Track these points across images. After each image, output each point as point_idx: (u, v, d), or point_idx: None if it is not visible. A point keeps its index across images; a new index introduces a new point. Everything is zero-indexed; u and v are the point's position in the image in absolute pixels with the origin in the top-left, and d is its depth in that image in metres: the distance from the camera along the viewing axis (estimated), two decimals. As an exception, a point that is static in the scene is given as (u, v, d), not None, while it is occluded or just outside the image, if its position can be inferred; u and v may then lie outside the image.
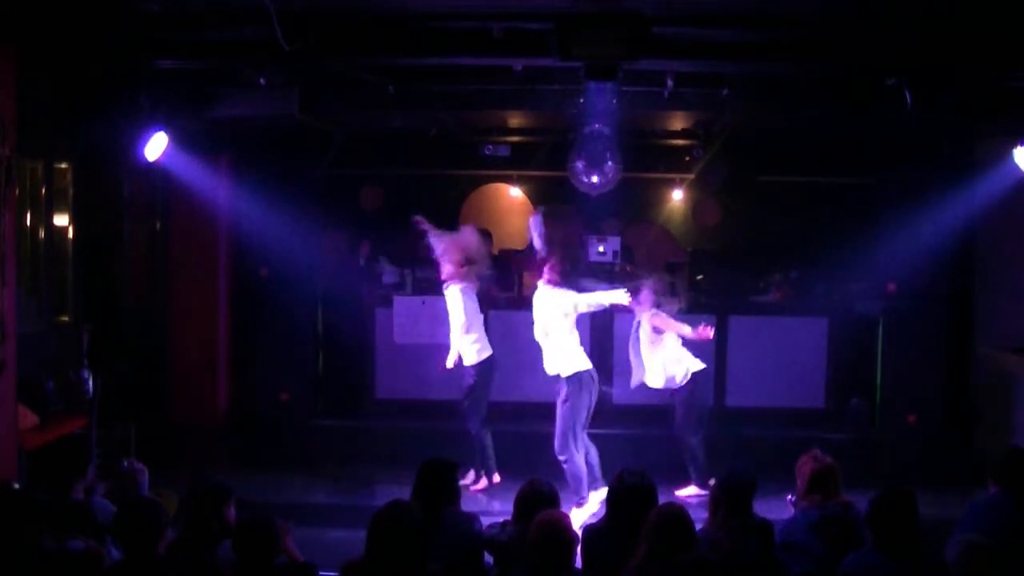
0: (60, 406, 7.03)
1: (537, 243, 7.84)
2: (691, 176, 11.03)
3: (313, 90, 7.71)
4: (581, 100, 7.45)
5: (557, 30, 6.00)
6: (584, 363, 7.44)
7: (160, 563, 4.19)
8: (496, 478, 8.04)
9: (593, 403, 7.43)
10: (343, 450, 9.09)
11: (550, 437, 7.52)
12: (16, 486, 5.17)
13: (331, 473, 8.58)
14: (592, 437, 7.60)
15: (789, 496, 5.26)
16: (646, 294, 7.76)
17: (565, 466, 7.29)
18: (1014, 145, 7.58)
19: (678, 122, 9.77)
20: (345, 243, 10.78)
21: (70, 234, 7.86)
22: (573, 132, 8.65)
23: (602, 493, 6.94)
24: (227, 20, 6.21)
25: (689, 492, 7.69)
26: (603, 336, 9.21)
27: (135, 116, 7.36)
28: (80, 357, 7.41)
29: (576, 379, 7.37)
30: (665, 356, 7.77)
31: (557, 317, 7.42)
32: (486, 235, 10.53)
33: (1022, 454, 5.25)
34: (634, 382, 7.94)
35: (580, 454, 7.34)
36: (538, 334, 7.54)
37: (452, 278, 7.95)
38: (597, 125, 7.65)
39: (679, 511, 4.32)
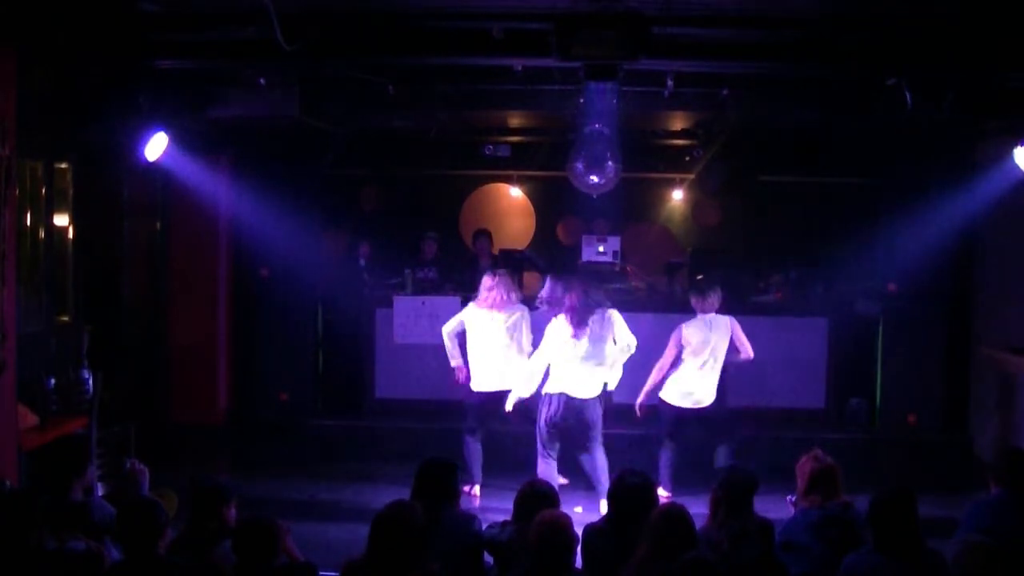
0: (60, 406, 7.02)
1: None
2: (691, 176, 11.03)
3: (313, 90, 7.71)
4: (581, 100, 7.45)
5: (557, 30, 6.00)
6: None
7: (160, 563, 4.19)
8: (476, 490, 7.91)
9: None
10: (343, 450, 9.09)
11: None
12: (8, 483, 5.18)
13: (331, 473, 8.56)
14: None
15: (789, 496, 5.27)
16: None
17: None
18: (1014, 145, 7.58)
19: (678, 122, 9.77)
20: (345, 243, 10.78)
21: (70, 234, 7.85)
22: (573, 132, 8.65)
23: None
24: (227, 20, 6.20)
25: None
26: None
27: (135, 116, 7.36)
28: (80, 357, 7.40)
29: None
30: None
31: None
32: (486, 235, 10.57)
33: (1022, 454, 5.25)
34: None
35: None
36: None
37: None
38: (597, 125, 7.64)
39: (680, 511, 4.32)
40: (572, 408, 7.28)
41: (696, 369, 7.66)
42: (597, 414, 7.37)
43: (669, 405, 7.75)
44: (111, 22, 6.06)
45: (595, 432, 7.38)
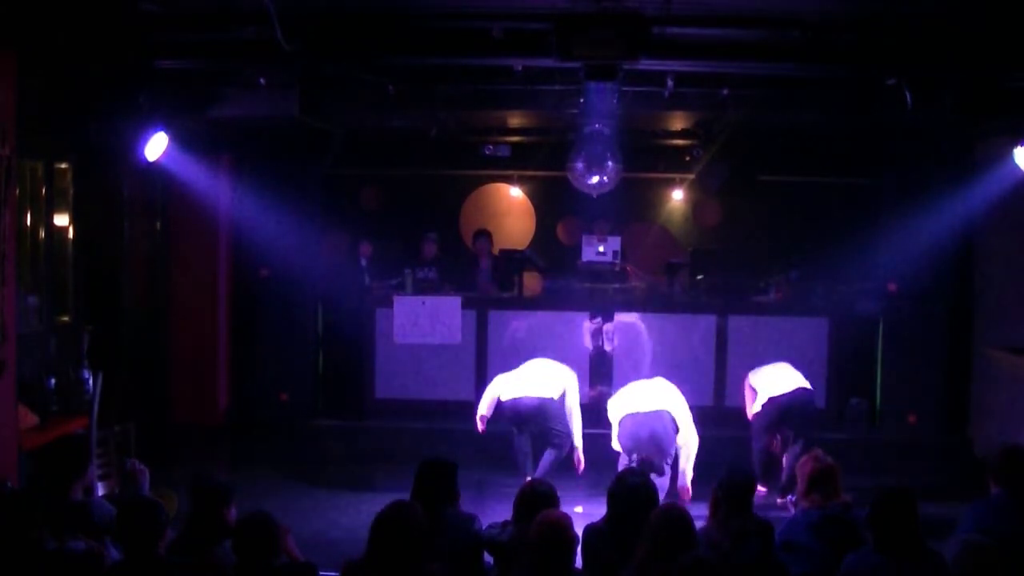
0: (60, 406, 7.03)
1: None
2: (691, 176, 11.03)
3: (313, 90, 7.72)
4: (581, 100, 7.45)
5: (557, 30, 6.00)
6: None
7: (160, 563, 4.19)
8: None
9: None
10: (343, 450, 9.08)
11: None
12: (8, 483, 5.19)
13: (331, 473, 8.57)
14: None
15: (789, 496, 5.27)
16: None
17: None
18: (1014, 145, 7.58)
19: (678, 122, 9.77)
20: (345, 243, 10.78)
21: (70, 234, 7.86)
22: (573, 132, 8.66)
23: None
24: (227, 20, 6.21)
25: None
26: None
27: (135, 116, 7.37)
28: (80, 357, 7.41)
29: None
30: None
31: None
32: (486, 235, 10.57)
33: (1022, 454, 5.25)
34: None
35: None
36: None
37: None
38: (597, 125, 7.65)
39: (680, 511, 4.32)
40: None
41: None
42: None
43: (773, 399, 7.84)
44: (111, 22, 6.06)
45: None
